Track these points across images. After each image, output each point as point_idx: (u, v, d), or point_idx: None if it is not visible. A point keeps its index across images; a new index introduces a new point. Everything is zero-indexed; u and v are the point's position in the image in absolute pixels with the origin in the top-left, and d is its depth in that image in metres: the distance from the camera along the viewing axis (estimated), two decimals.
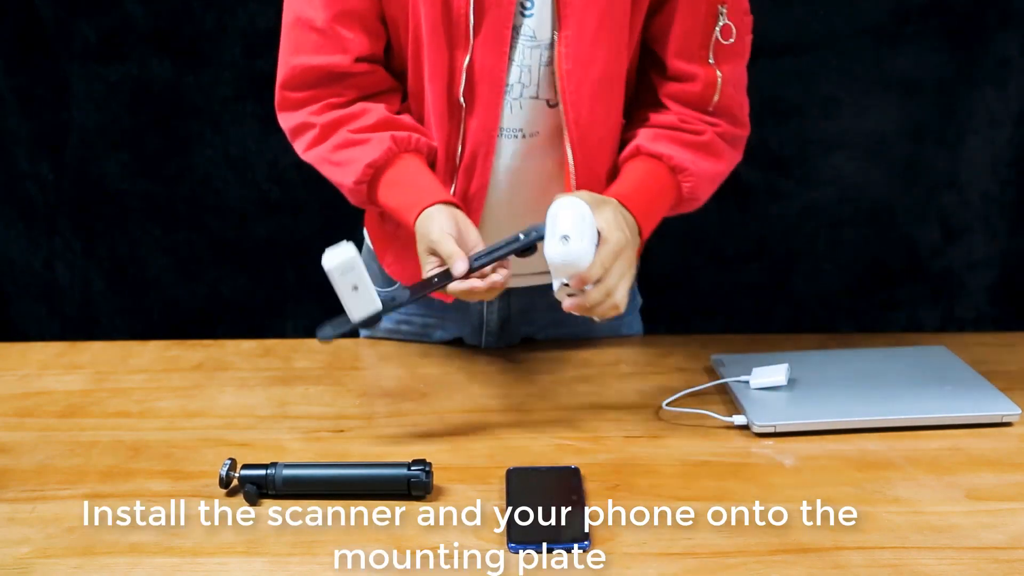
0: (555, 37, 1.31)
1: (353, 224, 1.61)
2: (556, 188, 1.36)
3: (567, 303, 1.21)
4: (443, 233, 1.23)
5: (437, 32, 1.30)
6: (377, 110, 1.35)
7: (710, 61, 1.34)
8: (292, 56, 1.36)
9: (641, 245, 1.33)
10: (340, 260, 1.16)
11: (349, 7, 1.33)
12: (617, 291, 1.21)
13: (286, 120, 1.39)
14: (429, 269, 1.24)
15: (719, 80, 1.35)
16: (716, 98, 1.36)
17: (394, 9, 1.33)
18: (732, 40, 1.34)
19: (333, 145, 1.34)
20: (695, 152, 1.36)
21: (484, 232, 1.30)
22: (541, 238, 1.20)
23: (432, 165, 1.36)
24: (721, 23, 1.34)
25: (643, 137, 1.37)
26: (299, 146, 1.39)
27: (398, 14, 1.33)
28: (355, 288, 1.18)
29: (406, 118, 1.37)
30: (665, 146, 1.36)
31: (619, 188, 1.33)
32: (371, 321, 1.21)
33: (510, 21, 1.30)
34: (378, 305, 1.20)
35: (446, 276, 1.22)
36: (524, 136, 1.37)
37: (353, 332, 1.25)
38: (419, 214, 1.27)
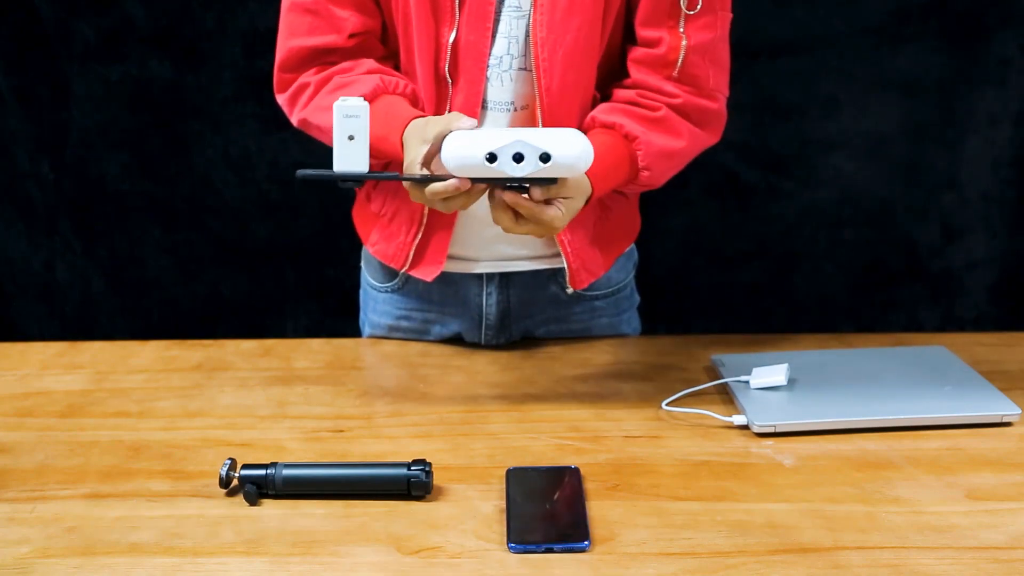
0: (532, 4, 1.34)
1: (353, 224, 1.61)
2: None
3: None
4: (439, 123, 1.23)
5: (424, 8, 1.35)
6: (368, 62, 1.40)
7: (679, 30, 1.36)
8: (288, 39, 1.41)
9: (591, 201, 1.33)
10: (349, 104, 1.18)
11: None
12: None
13: (283, 96, 1.43)
14: (416, 155, 1.23)
15: (683, 45, 1.36)
16: (679, 63, 1.37)
17: None
18: (698, 9, 1.35)
19: (326, 92, 1.39)
20: (647, 125, 1.38)
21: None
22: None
23: None
24: None
25: (599, 110, 1.40)
26: (297, 108, 1.42)
27: None
28: (351, 139, 1.19)
29: (395, 72, 1.41)
30: (619, 117, 1.38)
31: None
32: (351, 179, 1.21)
33: None
34: (363, 168, 1.20)
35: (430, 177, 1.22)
36: (516, 109, 1.39)
37: (333, 185, 1.24)
38: (408, 123, 1.29)
